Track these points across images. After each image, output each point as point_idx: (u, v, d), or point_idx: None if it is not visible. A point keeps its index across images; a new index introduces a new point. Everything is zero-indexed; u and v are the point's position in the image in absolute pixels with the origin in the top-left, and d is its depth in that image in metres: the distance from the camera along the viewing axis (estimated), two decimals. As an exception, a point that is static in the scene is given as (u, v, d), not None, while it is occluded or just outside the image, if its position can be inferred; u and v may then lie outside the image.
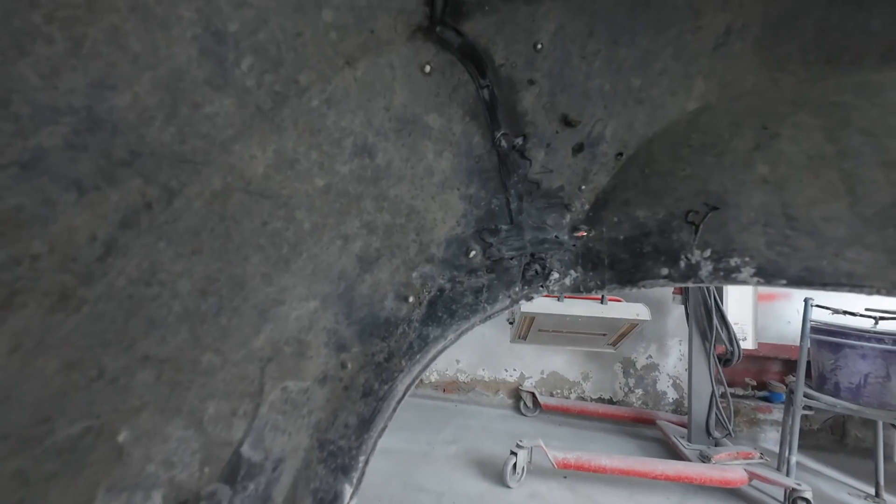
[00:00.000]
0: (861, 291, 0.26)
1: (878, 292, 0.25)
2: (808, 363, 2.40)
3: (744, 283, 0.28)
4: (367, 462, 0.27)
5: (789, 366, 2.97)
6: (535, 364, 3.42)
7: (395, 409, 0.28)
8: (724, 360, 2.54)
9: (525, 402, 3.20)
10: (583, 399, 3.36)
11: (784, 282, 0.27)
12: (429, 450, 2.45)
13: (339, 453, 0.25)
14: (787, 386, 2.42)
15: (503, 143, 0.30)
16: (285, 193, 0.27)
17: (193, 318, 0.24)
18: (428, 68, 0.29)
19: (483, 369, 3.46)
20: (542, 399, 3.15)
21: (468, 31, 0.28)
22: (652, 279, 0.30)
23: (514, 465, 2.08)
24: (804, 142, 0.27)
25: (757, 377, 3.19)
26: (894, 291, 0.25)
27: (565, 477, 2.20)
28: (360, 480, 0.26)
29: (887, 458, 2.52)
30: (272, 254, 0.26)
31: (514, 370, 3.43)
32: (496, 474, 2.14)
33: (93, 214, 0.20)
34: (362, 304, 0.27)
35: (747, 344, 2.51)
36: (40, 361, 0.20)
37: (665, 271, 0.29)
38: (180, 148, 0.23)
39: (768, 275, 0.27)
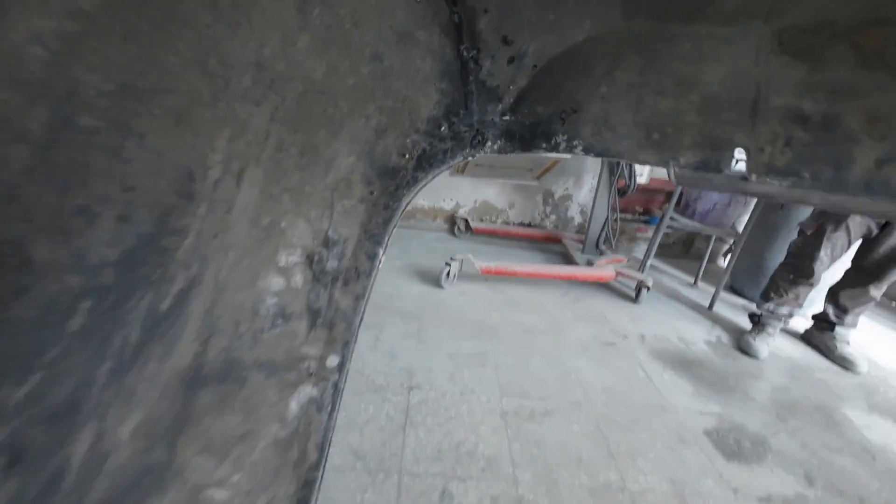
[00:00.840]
0: (623, 160, 0.49)
1: (633, 161, 0.49)
2: (682, 195, 3.03)
3: (576, 153, 0.50)
4: (388, 240, 0.50)
5: (670, 197, 3.66)
6: (469, 195, 3.81)
7: (400, 215, 0.50)
8: (622, 192, 3.10)
9: (459, 227, 3.70)
10: (507, 224, 3.94)
11: (593, 154, 0.49)
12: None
13: (375, 235, 0.47)
14: (662, 211, 3.08)
15: (465, 53, 0.43)
16: (333, 90, 0.41)
17: (300, 168, 0.41)
18: None
19: (423, 199, 3.80)
20: (473, 224, 3.65)
21: None
22: (537, 149, 0.51)
23: (448, 272, 2.60)
24: (628, 74, 0.45)
25: (645, 205, 3.92)
26: (639, 161, 0.49)
27: (487, 280, 2.83)
28: (385, 248, 0.50)
29: (711, 260, 3.51)
30: (329, 129, 0.42)
31: (451, 200, 3.81)
32: (433, 280, 2.69)
33: (262, 118, 0.35)
34: (379, 159, 0.45)
35: (643, 179, 3.02)
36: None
37: (544, 145, 0.50)
38: (286, 70, 0.35)
39: (587, 150, 0.49)
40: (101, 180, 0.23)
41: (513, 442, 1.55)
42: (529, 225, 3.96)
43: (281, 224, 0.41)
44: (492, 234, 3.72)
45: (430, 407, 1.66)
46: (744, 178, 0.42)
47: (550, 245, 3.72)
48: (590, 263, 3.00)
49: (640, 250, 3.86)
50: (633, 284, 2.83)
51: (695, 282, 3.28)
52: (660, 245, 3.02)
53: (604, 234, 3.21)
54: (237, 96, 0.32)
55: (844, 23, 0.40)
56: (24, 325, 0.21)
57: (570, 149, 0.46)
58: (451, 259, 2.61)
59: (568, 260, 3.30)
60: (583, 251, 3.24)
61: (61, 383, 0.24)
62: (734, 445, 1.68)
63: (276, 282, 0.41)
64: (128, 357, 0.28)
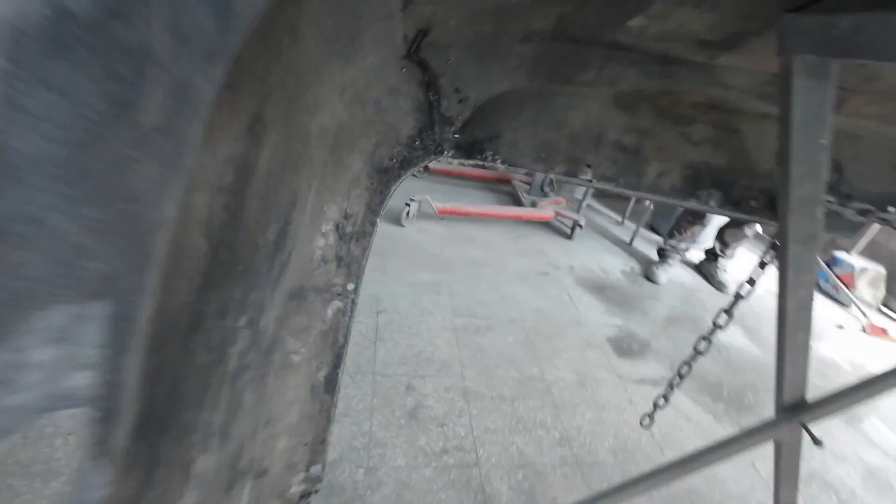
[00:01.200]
0: (524, 169, 0.79)
1: (530, 170, 0.79)
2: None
3: (497, 165, 0.78)
4: (382, 212, 0.77)
5: (609, 143, 4.00)
6: (428, 135, 3.93)
7: (390, 197, 0.77)
8: (567, 139, 3.40)
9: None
10: (462, 165, 4.16)
11: (507, 165, 0.78)
12: (341, 204, 3.09)
13: (374, 210, 0.68)
14: (599, 158, 3.45)
15: (431, 97, 0.67)
16: (351, 125, 0.64)
17: (333, 174, 0.66)
18: (404, 69, 0.63)
19: (382, 139, 3.87)
20: (430, 165, 3.84)
21: (420, 55, 0.62)
22: (474, 159, 0.78)
23: (408, 212, 2.85)
24: (529, 115, 0.71)
25: (587, 150, 4.27)
26: (533, 170, 0.78)
27: (442, 219, 3.13)
28: (381, 217, 0.78)
29: (640, 201, 4.01)
30: (348, 148, 0.65)
31: (409, 140, 3.93)
32: (394, 219, 2.93)
33: (319, 153, 0.59)
34: (377, 163, 0.68)
35: (585, 127, 3.33)
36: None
37: (478, 156, 0.78)
38: (330, 123, 0.59)
39: (504, 162, 0.77)
40: (274, 207, 0.48)
41: (462, 350, 1.97)
42: (483, 167, 4.21)
43: (323, 208, 0.67)
44: (447, 175, 3.94)
45: (395, 326, 2.02)
46: (589, 181, 0.73)
47: (501, 186, 4.03)
48: (534, 205, 3.37)
49: (581, 191, 4.28)
50: (570, 223, 3.26)
51: (622, 221, 3.79)
52: (595, 188, 3.43)
53: (548, 177, 3.55)
54: (313, 147, 0.56)
55: (650, 91, 0.70)
56: (255, 268, 0.48)
57: (493, 161, 0.74)
58: (411, 200, 2.85)
59: (516, 201, 3.65)
60: (529, 193, 3.59)
61: (261, 292, 0.51)
62: (626, 347, 2.24)
63: (321, 241, 0.68)
64: (274, 282, 0.55)
